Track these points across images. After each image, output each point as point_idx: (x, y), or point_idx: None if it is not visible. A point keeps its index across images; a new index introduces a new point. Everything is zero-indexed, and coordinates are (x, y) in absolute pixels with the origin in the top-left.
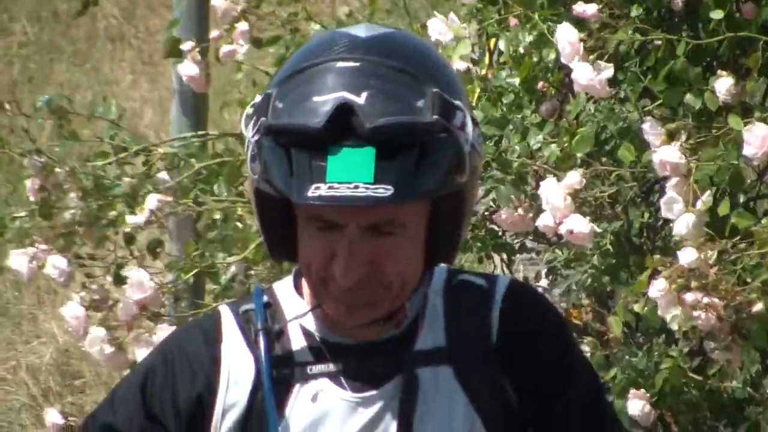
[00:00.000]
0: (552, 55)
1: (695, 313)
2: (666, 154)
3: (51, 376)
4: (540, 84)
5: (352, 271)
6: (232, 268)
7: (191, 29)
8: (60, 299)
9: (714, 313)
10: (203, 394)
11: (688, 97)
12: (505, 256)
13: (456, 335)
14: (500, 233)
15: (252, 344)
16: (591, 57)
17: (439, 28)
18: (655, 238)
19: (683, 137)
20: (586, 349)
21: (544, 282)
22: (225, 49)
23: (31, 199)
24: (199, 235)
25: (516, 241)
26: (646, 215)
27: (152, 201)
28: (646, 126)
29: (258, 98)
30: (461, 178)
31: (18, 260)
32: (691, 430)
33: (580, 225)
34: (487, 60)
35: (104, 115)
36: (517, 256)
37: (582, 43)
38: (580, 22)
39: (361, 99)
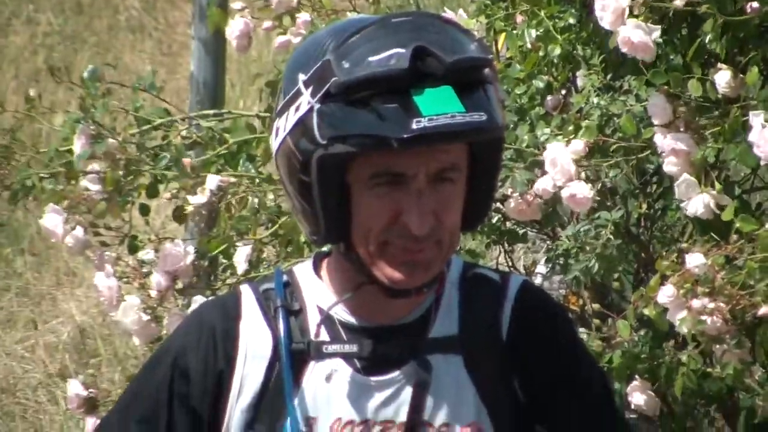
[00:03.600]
0: (557, 51)
1: (702, 317)
2: (676, 141)
3: (68, 355)
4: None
5: (425, 218)
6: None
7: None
8: (78, 280)
9: (720, 317)
10: (224, 370)
11: (691, 84)
12: (506, 245)
13: (468, 325)
14: (502, 223)
15: (271, 321)
16: (640, 19)
17: None
18: (653, 228)
19: (687, 117)
20: (584, 335)
21: (542, 268)
22: (280, 39)
23: (81, 167)
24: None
25: (519, 229)
26: (644, 206)
27: (213, 181)
28: (652, 100)
29: (306, 72)
30: (504, 124)
31: (52, 219)
32: (685, 415)
33: (582, 190)
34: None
35: (148, 88)
36: (518, 244)
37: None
38: None
39: (430, 43)
